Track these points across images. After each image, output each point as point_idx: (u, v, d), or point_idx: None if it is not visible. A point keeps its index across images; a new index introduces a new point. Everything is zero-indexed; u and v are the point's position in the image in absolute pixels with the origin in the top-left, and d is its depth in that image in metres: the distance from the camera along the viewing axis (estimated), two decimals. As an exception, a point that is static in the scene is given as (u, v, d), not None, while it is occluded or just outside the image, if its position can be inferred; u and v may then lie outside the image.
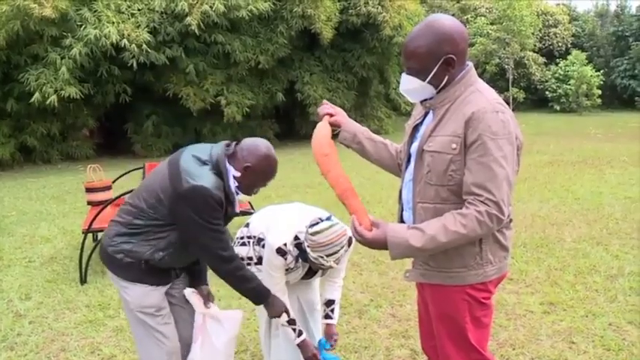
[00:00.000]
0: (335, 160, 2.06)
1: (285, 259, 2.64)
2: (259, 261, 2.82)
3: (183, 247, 2.40)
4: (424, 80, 1.97)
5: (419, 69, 1.97)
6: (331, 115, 2.30)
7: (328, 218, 2.59)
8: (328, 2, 14.39)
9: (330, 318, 2.94)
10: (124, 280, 2.46)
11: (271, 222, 2.84)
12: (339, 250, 2.52)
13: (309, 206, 3.00)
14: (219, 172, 2.32)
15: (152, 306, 2.49)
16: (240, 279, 2.44)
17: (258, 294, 2.51)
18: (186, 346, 2.62)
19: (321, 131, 2.16)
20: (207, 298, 2.67)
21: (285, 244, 2.63)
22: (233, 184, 2.36)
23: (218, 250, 2.35)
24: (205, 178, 2.26)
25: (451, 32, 1.93)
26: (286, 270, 2.71)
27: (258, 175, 2.39)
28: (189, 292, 2.64)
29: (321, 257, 2.52)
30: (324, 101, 2.39)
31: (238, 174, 2.36)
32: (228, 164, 2.36)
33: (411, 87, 2.03)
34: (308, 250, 2.55)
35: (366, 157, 2.38)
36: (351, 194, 2.01)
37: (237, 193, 2.40)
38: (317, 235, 2.50)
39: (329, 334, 2.92)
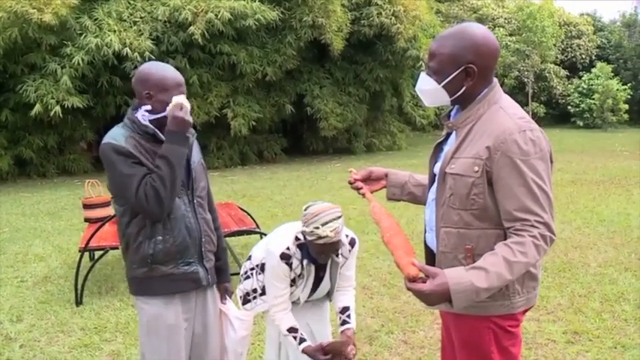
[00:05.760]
0: (395, 243, 2.04)
1: (291, 264, 2.68)
2: (264, 291, 2.86)
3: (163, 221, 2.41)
4: (439, 83, 1.99)
5: (437, 70, 1.99)
6: (367, 177, 2.37)
7: None
8: (339, 12, 14.47)
9: (348, 323, 2.88)
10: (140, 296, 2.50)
11: (269, 240, 2.89)
12: (333, 219, 2.56)
13: None
14: (127, 122, 2.46)
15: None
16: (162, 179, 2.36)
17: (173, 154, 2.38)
18: None
19: (378, 222, 2.15)
20: (224, 294, 2.76)
21: (288, 248, 2.69)
22: (142, 116, 2.42)
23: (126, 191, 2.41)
24: (109, 134, 2.45)
25: (479, 43, 1.93)
26: (293, 281, 2.74)
27: (151, 83, 2.39)
28: None
29: (317, 228, 2.54)
30: (351, 172, 2.39)
31: (137, 100, 2.44)
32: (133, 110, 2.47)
33: (425, 87, 2.06)
34: (304, 228, 2.60)
35: (419, 204, 2.38)
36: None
37: (148, 120, 2.43)
38: (308, 209, 2.61)
39: (346, 339, 2.80)
